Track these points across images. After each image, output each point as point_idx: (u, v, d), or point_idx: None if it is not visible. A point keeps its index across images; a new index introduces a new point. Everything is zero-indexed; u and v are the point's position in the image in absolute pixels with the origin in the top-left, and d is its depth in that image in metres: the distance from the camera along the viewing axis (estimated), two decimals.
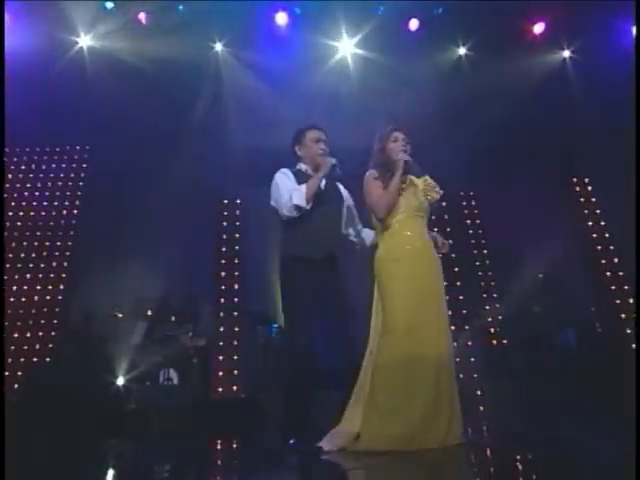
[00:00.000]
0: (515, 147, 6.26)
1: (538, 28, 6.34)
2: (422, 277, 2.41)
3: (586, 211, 6.82)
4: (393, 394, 2.23)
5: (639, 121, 3.44)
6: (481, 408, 4.66)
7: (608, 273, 6.37)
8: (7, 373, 5.36)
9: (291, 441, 2.38)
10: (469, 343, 5.87)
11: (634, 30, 6.15)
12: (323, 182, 2.67)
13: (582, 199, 6.90)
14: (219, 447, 2.59)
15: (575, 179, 6.98)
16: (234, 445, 3.08)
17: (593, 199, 6.87)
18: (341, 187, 2.85)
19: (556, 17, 6.19)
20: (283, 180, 2.66)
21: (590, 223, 6.74)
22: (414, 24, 6.12)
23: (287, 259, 2.60)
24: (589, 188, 6.93)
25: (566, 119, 6.36)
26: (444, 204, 6.94)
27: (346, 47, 6.29)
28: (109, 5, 5.57)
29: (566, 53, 6.62)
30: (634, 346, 5.62)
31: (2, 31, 4.33)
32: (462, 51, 6.49)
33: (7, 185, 6.59)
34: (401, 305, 2.34)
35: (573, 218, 6.85)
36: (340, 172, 2.65)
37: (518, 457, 2.08)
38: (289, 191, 2.57)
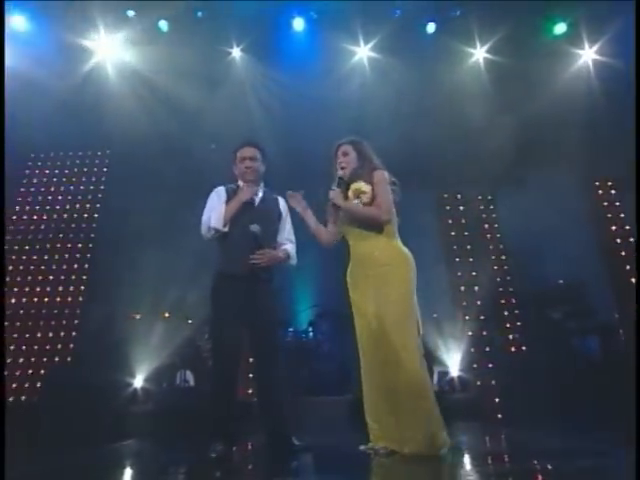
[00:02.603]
0: (535, 149, 6.15)
1: (559, 29, 6.23)
2: (361, 306, 2.41)
3: (609, 215, 6.65)
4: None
5: (639, 125, 3.33)
6: (499, 416, 4.58)
7: (632, 279, 6.19)
8: (30, 371, 5.51)
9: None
10: (487, 349, 5.77)
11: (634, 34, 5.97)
12: (259, 197, 2.73)
13: (605, 203, 6.74)
14: (234, 449, 2.61)
15: (598, 182, 6.82)
16: (249, 447, 3.10)
17: (617, 203, 6.70)
18: (281, 202, 2.83)
19: (577, 17, 6.07)
20: (212, 199, 2.75)
21: (614, 227, 6.57)
22: (431, 28, 6.09)
23: (214, 275, 2.68)
24: (612, 192, 6.76)
25: (588, 121, 6.21)
26: (461, 208, 6.93)
27: (363, 51, 6.29)
28: (130, 13, 5.70)
29: (588, 53, 6.47)
30: None
31: (2, 31, 4.40)
32: (481, 53, 6.41)
33: (32, 189, 6.80)
34: (357, 326, 2.44)
35: (596, 222, 6.69)
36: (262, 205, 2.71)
37: (537, 467, 2.03)
38: (209, 212, 2.65)
